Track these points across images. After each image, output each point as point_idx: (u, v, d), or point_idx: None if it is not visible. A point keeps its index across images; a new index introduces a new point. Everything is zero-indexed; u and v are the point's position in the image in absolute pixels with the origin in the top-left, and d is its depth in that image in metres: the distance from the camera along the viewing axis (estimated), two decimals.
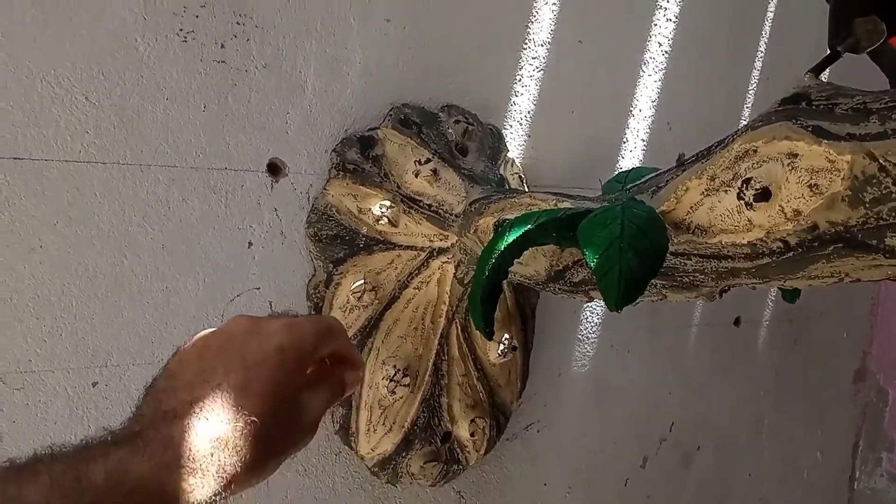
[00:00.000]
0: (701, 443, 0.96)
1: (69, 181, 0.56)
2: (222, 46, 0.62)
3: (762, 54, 0.92)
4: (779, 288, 0.56)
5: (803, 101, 0.38)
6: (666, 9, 0.85)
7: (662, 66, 0.85)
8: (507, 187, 0.69)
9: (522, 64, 0.77)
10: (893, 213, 0.34)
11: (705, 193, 0.42)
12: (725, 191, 0.40)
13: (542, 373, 0.82)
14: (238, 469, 0.32)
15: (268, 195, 0.64)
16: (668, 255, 0.44)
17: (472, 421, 0.72)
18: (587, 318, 0.85)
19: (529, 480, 0.83)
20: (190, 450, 0.31)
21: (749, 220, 0.39)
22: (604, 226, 0.40)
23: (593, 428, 0.87)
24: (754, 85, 0.94)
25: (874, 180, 0.34)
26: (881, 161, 0.33)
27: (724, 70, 0.89)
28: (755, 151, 0.39)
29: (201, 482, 0.31)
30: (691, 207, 0.42)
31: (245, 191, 0.63)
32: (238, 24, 0.62)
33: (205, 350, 0.35)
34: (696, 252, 0.43)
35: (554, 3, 0.78)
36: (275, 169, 0.65)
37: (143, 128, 0.59)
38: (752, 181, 0.37)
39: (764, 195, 0.37)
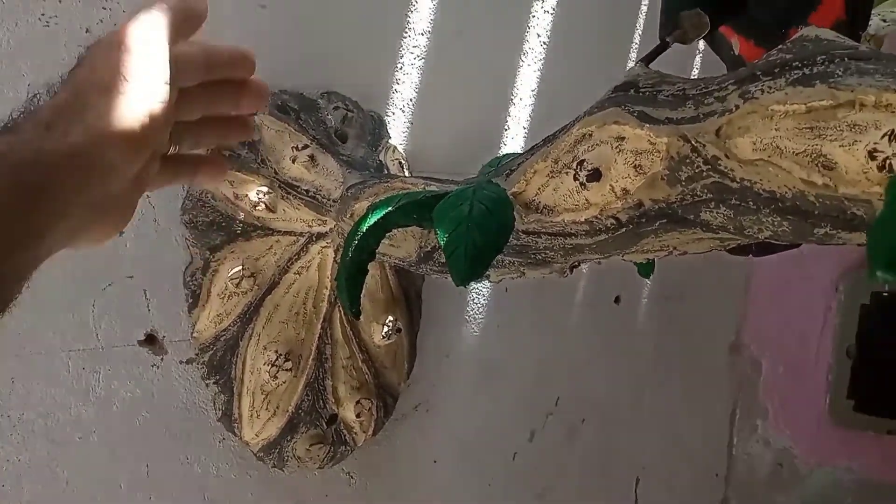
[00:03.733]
0: (586, 416, 1.00)
1: None
2: (87, 31, 0.60)
3: (636, 45, 0.96)
4: (633, 263, 0.60)
5: (632, 88, 0.41)
6: (544, 1, 0.88)
7: (542, 56, 0.88)
8: (385, 173, 0.71)
9: (403, 52, 0.79)
10: (706, 191, 0.37)
11: (550, 175, 0.44)
12: (566, 173, 0.43)
13: (430, 354, 0.84)
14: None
15: None
16: (520, 233, 0.47)
17: (358, 402, 0.73)
18: (474, 299, 0.88)
19: (419, 458, 0.85)
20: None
21: (586, 200, 0.42)
22: (455, 206, 0.42)
23: (481, 406, 0.90)
24: None
25: (687, 160, 0.37)
26: (693, 142, 0.36)
27: (600, 59, 0.93)
28: (591, 135, 0.42)
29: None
30: (539, 189, 0.45)
31: None
32: (104, 8, 0.61)
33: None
34: (544, 230, 0.45)
35: None
36: None
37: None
38: (585, 163, 0.40)
39: (595, 175, 0.40)
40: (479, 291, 0.88)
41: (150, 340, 0.66)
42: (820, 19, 0.44)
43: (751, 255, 0.59)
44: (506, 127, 0.87)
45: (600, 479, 1.04)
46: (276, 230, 0.66)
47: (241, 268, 0.65)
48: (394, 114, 0.79)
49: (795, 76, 0.33)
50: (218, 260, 0.65)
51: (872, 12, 0.68)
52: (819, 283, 1.16)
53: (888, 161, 0.29)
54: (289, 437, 0.71)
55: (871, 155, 0.30)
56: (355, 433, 0.75)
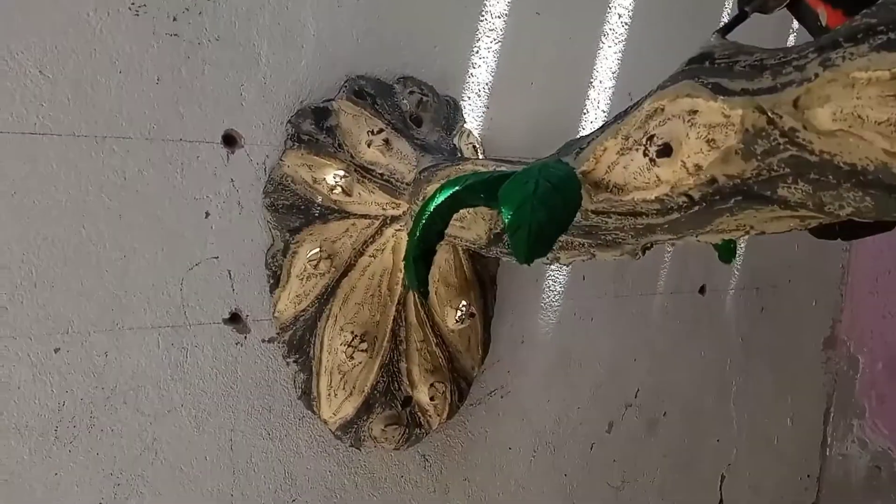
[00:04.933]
0: (667, 409, 0.98)
1: (25, 152, 0.58)
2: (174, 20, 0.63)
3: (724, 20, 0.92)
4: (714, 248, 0.58)
5: (707, 60, 0.40)
6: None
7: (623, 37, 0.86)
8: (459, 156, 0.71)
9: (480, 36, 0.78)
10: (783, 165, 0.35)
11: (620, 153, 0.43)
12: (636, 149, 0.41)
13: (505, 340, 0.84)
14: None
15: (224, 166, 0.66)
16: (590, 213, 0.46)
17: (432, 385, 0.74)
18: (549, 286, 0.87)
19: (494, 444, 0.85)
20: None
21: (657, 177, 0.41)
22: (521, 185, 0.42)
23: (558, 394, 0.89)
24: None
25: (763, 133, 0.35)
26: (769, 114, 0.35)
27: (684, 37, 0.90)
28: (662, 110, 0.40)
29: None
30: (609, 167, 0.44)
31: (201, 162, 0.65)
32: None
33: None
34: (614, 210, 0.44)
35: None
36: (230, 140, 0.66)
37: (97, 100, 0.60)
38: (655, 138, 0.39)
39: (665, 151, 0.39)
40: (556, 278, 0.87)
41: (235, 319, 0.69)
42: None
43: (838, 238, 0.56)
44: (584, 111, 0.86)
45: (682, 475, 1.01)
46: (352, 213, 0.67)
47: (318, 250, 0.67)
48: (470, 98, 0.79)
49: (880, 41, 0.31)
50: (297, 242, 0.67)
51: None
52: None
53: None
54: (365, 417, 0.72)
55: None
56: (430, 416, 0.76)
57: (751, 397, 1.06)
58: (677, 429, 0.99)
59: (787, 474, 1.13)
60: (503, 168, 0.53)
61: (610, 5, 0.85)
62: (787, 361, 1.09)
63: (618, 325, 0.92)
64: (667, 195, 0.40)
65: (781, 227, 0.40)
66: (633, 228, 0.45)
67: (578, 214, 0.46)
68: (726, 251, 0.57)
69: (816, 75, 0.33)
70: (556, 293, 0.88)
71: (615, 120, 0.45)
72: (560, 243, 0.51)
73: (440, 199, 0.47)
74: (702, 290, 0.99)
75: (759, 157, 0.36)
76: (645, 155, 0.40)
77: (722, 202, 0.39)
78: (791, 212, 0.37)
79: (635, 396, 0.95)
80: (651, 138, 0.39)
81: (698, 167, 0.38)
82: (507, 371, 0.85)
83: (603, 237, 0.47)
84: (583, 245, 0.50)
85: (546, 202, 0.40)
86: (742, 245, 1.01)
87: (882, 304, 1.13)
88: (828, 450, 1.16)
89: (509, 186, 0.43)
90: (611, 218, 0.45)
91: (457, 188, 0.46)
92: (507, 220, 0.40)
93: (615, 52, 0.86)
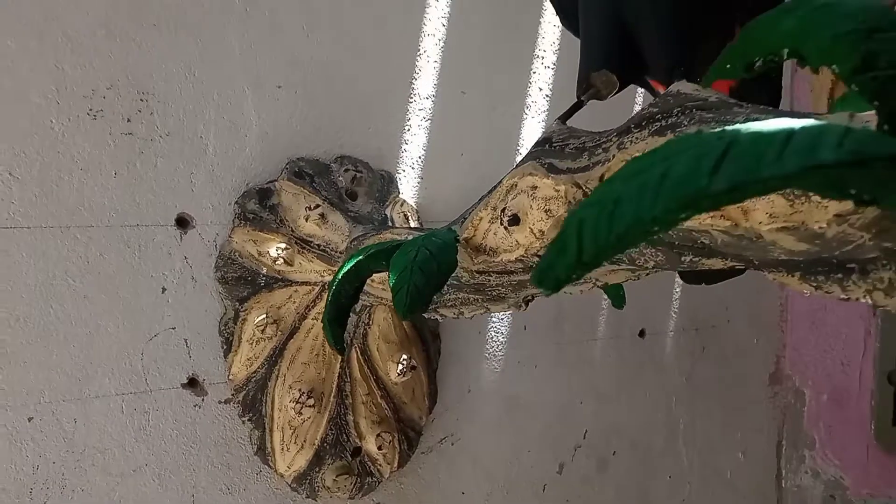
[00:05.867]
0: (616, 448, 1.03)
1: None
2: (128, 120, 0.72)
3: (640, 94, 1.02)
4: (609, 298, 0.65)
5: (547, 143, 0.48)
6: (543, 58, 0.95)
7: (544, 108, 0.95)
8: (389, 225, 0.79)
9: (410, 115, 0.87)
10: None
11: (491, 221, 0.51)
12: (497, 219, 0.49)
13: (452, 390, 0.90)
14: None
15: (178, 246, 0.74)
16: (475, 273, 0.54)
17: (379, 435, 0.80)
18: (492, 337, 0.94)
19: (448, 489, 0.91)
20: None
21: (516, 241, 0.48)
22: (405, 252, 0.50)
23: (507, 439, 0.95)
24: None
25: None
26: (584, 188, 0.43)
27: (600, 110, 0.99)
28: (515, 186, 0.48)
29: None
30: (484, 233, 0.52)
31: (156, 243, 0.73)
32: (141, 100, 0.73)
33: None
34: (492, 269, 0.52)
35: (435, 61, 0.88)
36: (183, 222, 0.74)
37: (61, 195, 0.69)
38: (506, 209, 0.47)
39: (515, 220, 0.46)
40: (498, 329, 0.94)
41: (192, 383, 0.76)
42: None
43: (702, 283, 0.63)
44: None
45: None
46: (294, 281, 0.75)
47: (265, 316, 0.74)
48: (405, 171, 0.87)
49: (655, 127, 0.39)
50: (246, 310, 0.75)
51: None
52: (856, 308, 1.15)
53: None
54: (317, 469, 0.78)
55: None
56: (380, 465, 0.82)
57: (699, 434, 1.11)
58: (628, 467, 1.04)
59: None
60: (413, 235, 0.61)
61: (531, 82, 0.95)
62: (733, 398, 1.15)
63: (561, 370, 0.99)
64: (524, 256, 0.48)
65: (620, 279, 0.48)
66: (510, 284, 0.52)
67: (466, 274, 0.53)
68: (616, 298, 0.64)
69: (614, 155, 0.41)
70: (499, 343, 0.94)
71: (488, 193, 0.53)
72: (460, 300, 0.58)
73: (347, 266, 0.54)
74: (641, 333, 1.06)
75: None
76: (501, 224, 0.48)
77: None
78: (616, 266, 0.45)
79: (584, 437, 1.01)
80: (504, 210, 0.47)
81: (542, 232, 0.46)
82: (457, 419, 0.91)
83: (489, 293, 0.55)
84: (477, 300, 0.57)
85: (423, 267, 0.47)
86: (678, 288, 1.09)
87: (822, 340, 1.20)
88: (783, 482, 1.21)
89: (397, 254, 0.50)
90: (491, 276, 0.53)
91: (360, 257, 0.54)
92: (391, 283, 0.48)
93: (538, 122, 0.95)
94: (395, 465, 0.83)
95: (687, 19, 0.44)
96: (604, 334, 1.02)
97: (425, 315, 0.68)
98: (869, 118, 0.25)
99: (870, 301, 0.31)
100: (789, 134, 0.20)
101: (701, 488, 1.12)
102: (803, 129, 0.20)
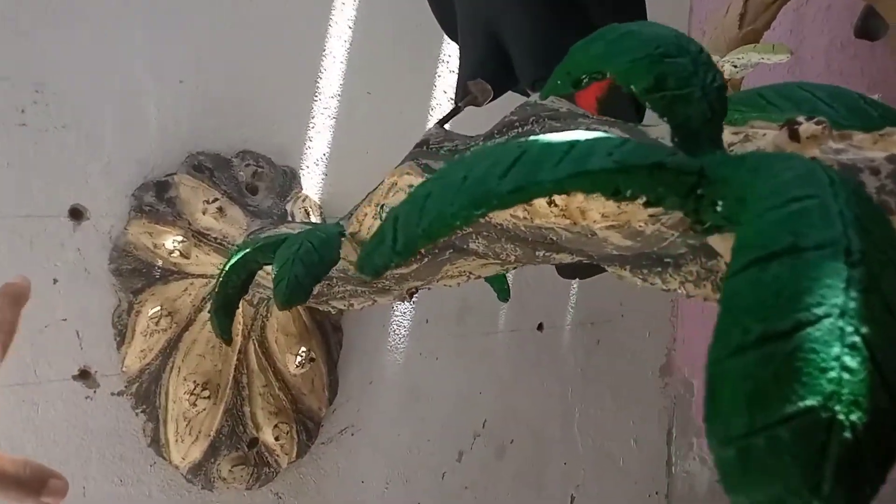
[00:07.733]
0: (514, 436, 1.08)
1: None
2: (23, 111, 0.71)
3: None
4: (495, 291, 0.69)
5: (425, 145, 0.51)
6: (447, 62, 0.98)
7: (448, 110, 0.99)
8: (288, 220, 0.80)
9: (315, 113, 0.89)
10: None
11: (374, 217, 0.53)
12: (380, 214, 0.52)
13: (353, 382, 0.92)
14: None
15: (70, 237, 0.74)
16: None
17: (276, 426, 0.82)
18: (395, 330, 0.97)
19: (347, 478, 0.93)
20: None
21: None
22: (289, 246, 0.52)
23: (407, 428, 0.98)
24: None
25: None
26: None
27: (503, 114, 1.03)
28: (395, 184, 0.51)
29: None
30: (368, 228, 0.54)
31: (48, 234, 0.72)
32: (37, 91, 0.72)
33: None
34: None
35: (341, 62, 0.90)
36: (77, 213, 0.74)
37: None
38: (384, 206, 0.49)
39: None
40: (400, 323, 0.97)
41: (84, 375, 0.75)
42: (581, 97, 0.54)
43: (577, 277, 0.68)
44: None
45: (533, 498, 1.11)
46: (190, 274, 0.76)
47: (160, 308, 0.74)
48: (309, 168, 0.89)
49: (514, 133, 0.43)
50: (140, 302, 0.75)
51: (724, 59, 0.78)
52: None
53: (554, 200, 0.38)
54: (212, 460, 0.79)
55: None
56: (277, 455, 0.83)
57: (593, 422, 1.17)
58: (525, 454, 1.09)
59: (635, 492, 1.24)
60: (305, 229, 0.63)
61: (435, 84, 0.98)
62: (626, 388, 1.21)
63: (462, 362, 1.02)
64: None
65: (491, 272, 0.51)
66: (393, 277, 0.55)
67: (352, 268, 0.56)
68: (501, 291, 0.68)
69: None
70: (401, 336, 0.97)
71: (373, 190, 0.55)
72: (349, 292, 0.61)
73: (236, 258, 0.56)
74: (540, 326, 1.10)
75: None
76: (381, 219, 0.50)
77: (441, 254, 0.50)
78: (485, 260, 0.48)
79: (483, 426, 1.05)
80: (384, 206, 0.50)
81: None
82: (358, 410, 0.94)
83: (375, 285, 0.57)
84: (365, 292, 0.60)
85: (304, 259, 0.50)
86: (575, 285, 1.14)
87: (710, 334, 1.27)
88: (673, 468, 1.28)
89: (282, 247, 0.52)
90: None
91: (248, 249, 0.56)
92: (273, 274, 0.50)
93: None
94: (294, 455, 0.84)
95: (548, 36, 0.48)
96: (504, 327, 1.06)
97: (319, 307, 0.70)
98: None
99: (684, 291, 0.36)
100: (572, 145, 0.23)
101: (595, 474, 1.17)
102: (585, 141, 0.23)
